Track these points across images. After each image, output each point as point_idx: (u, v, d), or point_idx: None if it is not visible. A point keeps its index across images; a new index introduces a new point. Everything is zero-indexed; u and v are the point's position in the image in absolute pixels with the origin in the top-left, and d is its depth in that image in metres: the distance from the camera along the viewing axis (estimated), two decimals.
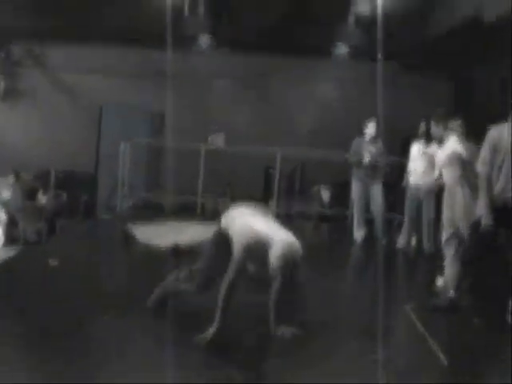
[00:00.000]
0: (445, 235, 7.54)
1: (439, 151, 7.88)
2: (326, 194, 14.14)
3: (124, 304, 6.02)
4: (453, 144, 7.52)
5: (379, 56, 11.43)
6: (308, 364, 4.87)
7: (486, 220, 6.30)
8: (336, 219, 12.91)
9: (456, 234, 7.39)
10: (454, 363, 5.15)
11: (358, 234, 10.99)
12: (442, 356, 5.25)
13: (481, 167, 6.43)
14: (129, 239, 9.42)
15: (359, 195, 10.97)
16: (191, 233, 9.66)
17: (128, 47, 14.90)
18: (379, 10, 10.91)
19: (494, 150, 6.29)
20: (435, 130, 7.78)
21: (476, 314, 6.43)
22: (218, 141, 14.34)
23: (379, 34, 10.93)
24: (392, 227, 11.17)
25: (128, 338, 5.26)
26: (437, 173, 8.46)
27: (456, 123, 7.76)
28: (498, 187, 6.27)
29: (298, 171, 14.73)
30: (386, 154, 10.85)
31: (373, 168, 10.74)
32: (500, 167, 6.25)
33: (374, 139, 10.79)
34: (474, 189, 7.11)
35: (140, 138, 13.79)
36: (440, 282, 7.69)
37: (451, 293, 6.95)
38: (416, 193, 10.09)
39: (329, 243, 11.85)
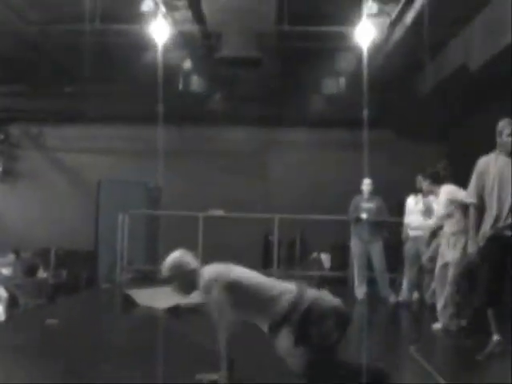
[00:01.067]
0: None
1: (436, 205, 8.17)
2: (326, 261, 14.13)
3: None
4: (444, 193, 7.77)
5: (365, 118, 11.59)
6: None
7: (470, 248, 6.44)
8: (336, 281, 12.84)
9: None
10: None
11: (359, 291, 10.90)
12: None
13: (468, 199, 6.53)
14: (129, 302, 9.38)
15: (359, 253, 10.99)
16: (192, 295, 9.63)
17: (124, 125, 15.14)
18: (365, 75, 11.09)
19: (482, 179, 6.36)
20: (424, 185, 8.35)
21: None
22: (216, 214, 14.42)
23: (365, 98, 11.15)
24: (394, 286, 11.07)
25: None
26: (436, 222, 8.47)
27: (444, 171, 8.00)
28: (490, 217, 6.30)
29: (297, 238, 14.75)
30: (385, 211, 10.87)
31: (371, 225, 10.78)
32: (490, 194, 6.28)
33: (372, 196, 10.87)
34: None
35: (137, 209, 13.86)
36: (436, 326, 7.82)
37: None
38: (414, 244, 10.12)
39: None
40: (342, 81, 13.06)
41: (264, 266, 14.25)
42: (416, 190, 10.10)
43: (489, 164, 6.35)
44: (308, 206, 14.22)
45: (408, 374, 6.13)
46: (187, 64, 12.76)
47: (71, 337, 6.91)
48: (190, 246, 12.68)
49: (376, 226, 10.81)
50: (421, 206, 10.03)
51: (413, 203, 10.25)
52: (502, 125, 6.25)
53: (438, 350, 7.10)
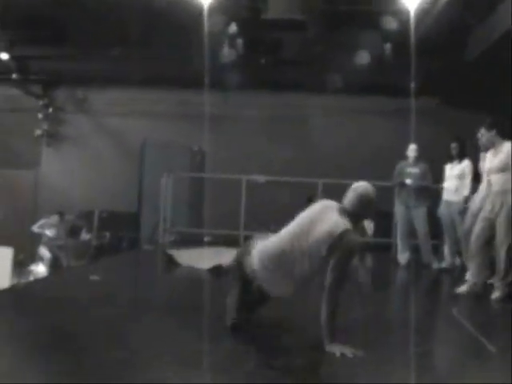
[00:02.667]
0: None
1: (489, 156, 7.67)
2: (369, 227, 14.03)
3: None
4: (510, 149, 7.38)
5: (412, 87, 11.49)
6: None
7: None
8: (380, 248, 12.78)
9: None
10: (502, 350, 5.03)
11: (402, 256, 10.90)
12: (489, 345, 5.14)
13: None
14: (171, 262, 9.44)
15: (402, 218, 10.96)
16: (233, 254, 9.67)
17: (167, 89, 15.17)
18: (412, 39, 10.96)
19: None
20: (486, 137, 7.60)
21: None
22: (258, 180, 14.40)
23: (413, 64, 11.04)
24: (438, 253, 11.01)
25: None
26: (484, 178, 8.21)
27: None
28: None
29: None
30: (429, 176, 10.78)
31: (416, 191, 10.70)
32: None
33: (417, 162, 10.79)
34: None
35: (180, 172, 13.91)
36: (462, 289, 7.77)
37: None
38: (447, 208, 10.16)
39: (374, 268, 11.72)
40: (388, 46, 12.87)
41: None
42: (452, 158, 10.17)
43: None
44: (351, 172, 14.12)
45: (451, 335, 6.10)
46: (232, 28, 12.67)
47: (113, 293, 6.98)
48: (233, 210, 12.98)
49: (420, 191, 10.70)
50: (456, 170, 10.05)
51: (449, 168, 10.25)
52: None
53: (481, 311, 7.01)
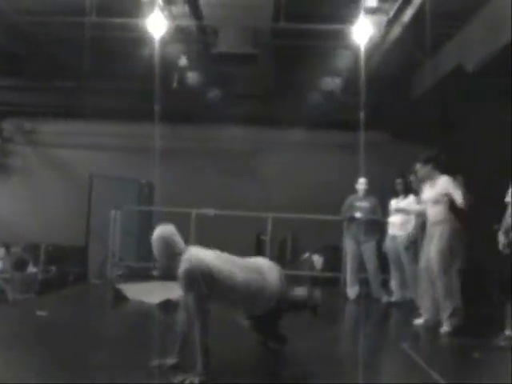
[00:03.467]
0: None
1: (427, 188, 8.00)
2: (318, 262, 14.06)
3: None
4: (444, 183, 7.71)
5: (361, 119, 11.61)
6: None
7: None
8: (328, 282, 12.79)
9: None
10: None
11: (351, 291, 10.92)
12: (440, 380, 5.15)
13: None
14: (119, 297, 9.30)
15: (352, 253, 10.98)
16: None
17: (116, 122, 15.08)
18: (362, 74, 11.08)
19: None
20: (422, 171, 8.02)
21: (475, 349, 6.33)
22: (208, 213, 14.33)
23: (362, 99, 11.16)
24: (386, 287, 11.05)
25: None
26: (421, 208, 8.46)
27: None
28: None
29: (289, 238, 14.69)
30: (379, 210, 10.85)
31: (365, 225, 10.77)
32: None
33: (366, 195, 10.88)
34: (455, 229, 7.62)
35: (129, 205, 13.79)
36: (418, 321, 7.97)
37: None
38: (393, 243, 10.24)
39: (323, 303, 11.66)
40: (338, 80, 13.01)
41: None
42: (397, 194, 10.35)
43: None
44: (300, 206, 14.13)
45: (401, 370, 6.09)
46: (183, 60, 12.66)
47: (61, 328, 6.83)
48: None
49: (370, 225, 10.78)
50: (401, 205, 10.09)
51: (394, 203, 10.35)
52: None
53: (431, 347, 7.03)
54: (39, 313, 7.50)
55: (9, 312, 8.44)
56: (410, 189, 9.95)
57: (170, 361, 5.12)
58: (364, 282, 11.02)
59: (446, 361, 6.28)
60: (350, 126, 13.37)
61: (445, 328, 7.47)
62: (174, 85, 13.63)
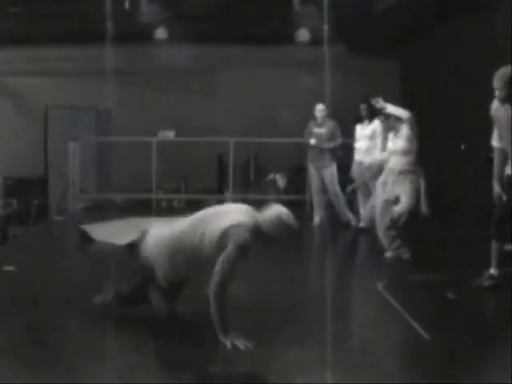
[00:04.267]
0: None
1: (393, 139, 8.19)
2: (281, 181, 14.00)
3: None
4: (405, 133, 7.94)
5: (326, 37, 11.34)
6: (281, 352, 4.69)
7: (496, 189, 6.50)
8: (293, 205, 12.75)
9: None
10: (436, 337, 5.01)
11: (316, 217, 11.01)
12: (423, 332, 5.12)
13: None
14: (85, 239, 9.14)
15: (314, 178, 11.07)
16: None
17: (70, 46, 14.52)
18: None
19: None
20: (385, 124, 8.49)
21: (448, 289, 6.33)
22: (167, 136, 14.11)
23: (326, 14, 10.87)
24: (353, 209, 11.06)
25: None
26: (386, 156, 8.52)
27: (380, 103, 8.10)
28: None
29: (252, 160, 14.56)
30: (337, 135, 10.73)
31: (321, 150, 10.74)
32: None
33: (324, 121, 10.76)
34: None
35: (88, 136, 13.49)
36: (388, 254, 8.22)
37: None
38: (359, 169, 10.30)
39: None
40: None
41: (219, 189, 14.15)
42: (362, 119, 10.34)
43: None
44: (263, 127, 13.99)
45: (378, 313, 6.08)
46: None
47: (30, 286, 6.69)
48: (143, 171, 12.69)
49: (328, 151, 10.76)
50: (367, 131, 10.17)
51: (359, 129, 10.34)
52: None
53: (407, 286, 6.98)
54: (7, 268, 7.32)
55: None
56: (374, 113, 9.83)
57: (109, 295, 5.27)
58: (329, 206, 11.04)
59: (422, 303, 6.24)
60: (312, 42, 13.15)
61: (388, 253, 8.17)
62: (126, 6, 13.12)
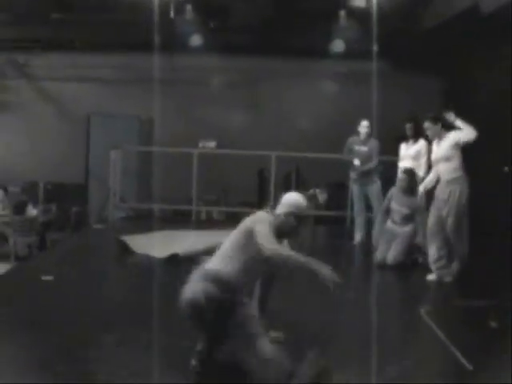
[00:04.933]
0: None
1: (435, 147, 8.09)
2: (321, 196, 13.86)
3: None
4: (453, 136, 7.80)
5: (375, 53, 11.24)
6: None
7: None
8: (333, 221, 12.64)
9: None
10: (478, 368, 4.85)
11: (357, 235, 10.89)
12: (466, 362, 4.97)
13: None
14: (124, 250, 9.09)
15: (357, 197, 10.91)
16: (189, 241, 9.39)
17: (114, 53, 14.58)
18: (374, 5, 10.67)
19: None
20: (432, 130, 8.05)
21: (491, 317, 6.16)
22: (209, 146, 14.10)
23: (374, 30, 10.75)
24: None
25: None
26: (433, 170, 8.41)
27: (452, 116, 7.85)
28: None
29: (293, 174, 14.43)
30: (375, 155, 10.57)
31: (363, 171, 10.61)
32: None
33: (367, 139, 10.62)
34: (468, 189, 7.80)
35: (129, 145, 13.49)
36: (431, 277, 8.06)
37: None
38: None
39: (327, 246, 11.58)
40: (343, 13, 12.46)
41: (259, 203, 14.04)
42: (407, 138, 10.03)
43: None
44: (306, 140, 13.91)
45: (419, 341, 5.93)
46: None
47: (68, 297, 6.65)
48: (183, 182, 12.65)
49: (370, 168, 10.61)
50: (411, 151, 9.90)
51: (404, 149, 10.09)
52: None
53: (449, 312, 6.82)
54: (45, 278, 7.28)
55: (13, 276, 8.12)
56: (421, 133, 9.65)
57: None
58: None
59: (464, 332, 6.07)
60: (357, 57, 13.06)
61: (431, 276, 8.03)
62: (172, 15, 13.13)
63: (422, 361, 5.25)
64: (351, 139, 10.73)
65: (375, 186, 10.62)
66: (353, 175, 10.83)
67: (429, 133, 8.11)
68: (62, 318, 5.81)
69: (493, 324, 6.06)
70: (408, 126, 9.91)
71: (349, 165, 10.85)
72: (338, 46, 13.40)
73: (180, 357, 4.75)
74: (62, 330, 5.43)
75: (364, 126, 10.60)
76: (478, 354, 5.21)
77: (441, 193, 7.94)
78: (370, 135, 10.61)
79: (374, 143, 10.60)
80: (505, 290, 7.23)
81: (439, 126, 7.93)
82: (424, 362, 5.25)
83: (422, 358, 5.33)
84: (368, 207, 10.84)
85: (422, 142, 9.71)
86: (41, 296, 6.62)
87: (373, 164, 10.55)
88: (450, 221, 7.80)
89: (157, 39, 11.89)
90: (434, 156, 8.07)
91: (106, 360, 4.84)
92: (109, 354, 5.00)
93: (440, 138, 7.93)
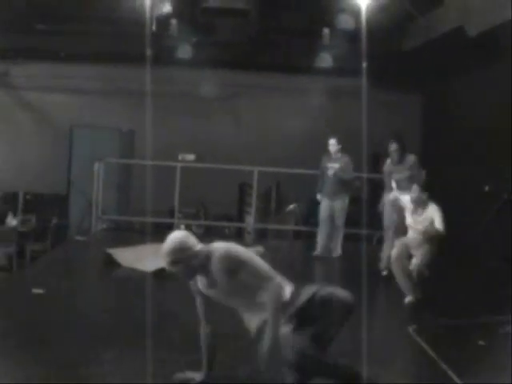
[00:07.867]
0: None
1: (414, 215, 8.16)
2: (300, 212, 14.00)
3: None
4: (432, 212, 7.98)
5: (364, 69, 11.41)
6: None
7: None
8: (310, 236, 12.77)
9: None
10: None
11: (319, 247, 11.02)
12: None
13: None
14: (110, 263, 9.10)
15: (324, 208, 11.00)
16: None
17: (96, 65, 14.60)
18: (363, 23, 10.83)
19: None
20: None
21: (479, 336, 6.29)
22: (187, 159, 14.19)
23: (363, 46, 10.89)
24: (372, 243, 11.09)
25: None
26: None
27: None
28: None
29: (273, 190, 14.52)
30: (349, 170, 10.77)
31: (336, 183, 10.74)
32: None
33: (338, 156, 10.78)
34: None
35: (111, 157, 13.49)
36: (408, 299, 7.88)
37: None
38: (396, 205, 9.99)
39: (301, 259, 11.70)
40: (327, 31, 12.64)
41: (239, 217, 14.17)
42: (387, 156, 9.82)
43: None
44: (285, 155, 14.04)
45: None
46: (167, 7, 12.22)
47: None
48: (165, 195, 12.64)
49: (339, 184, 10.75)
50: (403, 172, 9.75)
51: (388, 165, 9.74)
52: None
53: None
54: (36, 290, 7.29)
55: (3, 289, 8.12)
56: (406, 151, 9.59)
57: (198, 377, 4.75)
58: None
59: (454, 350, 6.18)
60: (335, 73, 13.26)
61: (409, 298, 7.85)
62: (153, 28, 13.17)
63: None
64: (324, 157, 10.95)
65: (342, 202, 10.82)
66: (323, 188, 10.96)
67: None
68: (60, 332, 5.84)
69: (480, 342, 6.20)
70: (392, 148, 9.68)
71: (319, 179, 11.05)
72: (321, 62, 13.57)
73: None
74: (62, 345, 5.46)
75: (332, 144, 10.80)
76: (468, 370, 5.32)
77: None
78: (339, 152, 10.77)
79: (345, 159, 10.77)
80: (487, 309, 7.31)
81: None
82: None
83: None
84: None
85: (411, 157, 9.57)
86: (37, 310, 6.64)
87: (348, 176, 10.76)
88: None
89: (140, 52, 11.92)
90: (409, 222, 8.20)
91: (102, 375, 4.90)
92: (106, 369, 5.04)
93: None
